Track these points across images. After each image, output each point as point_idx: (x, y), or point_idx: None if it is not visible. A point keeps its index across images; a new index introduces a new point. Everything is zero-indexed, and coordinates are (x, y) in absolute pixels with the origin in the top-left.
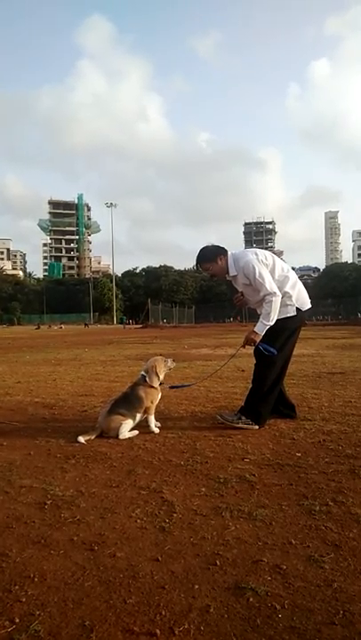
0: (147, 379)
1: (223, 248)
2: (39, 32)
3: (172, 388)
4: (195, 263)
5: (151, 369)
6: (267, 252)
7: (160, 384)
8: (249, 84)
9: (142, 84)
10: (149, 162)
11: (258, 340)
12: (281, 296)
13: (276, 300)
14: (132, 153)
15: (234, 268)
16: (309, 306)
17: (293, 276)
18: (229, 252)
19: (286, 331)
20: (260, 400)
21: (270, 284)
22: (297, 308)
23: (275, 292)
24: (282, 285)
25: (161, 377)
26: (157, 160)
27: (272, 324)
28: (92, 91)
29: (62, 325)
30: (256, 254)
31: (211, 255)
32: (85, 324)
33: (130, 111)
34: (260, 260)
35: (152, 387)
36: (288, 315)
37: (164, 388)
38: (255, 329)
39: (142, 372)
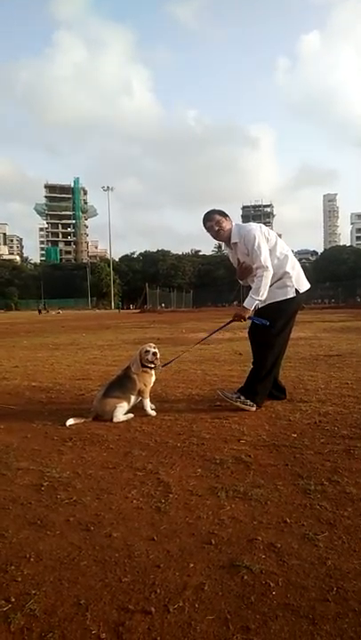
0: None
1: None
2: (11, 2)
3: (164, 366)
4: (203, 221)
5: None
6: (271, 230)
7: (154, 367)
8: (237, 57)
9: (125, 56)
10: (137, 140)
11: (247, 315)
12: (273, 273)
13: (267, 276)
14: (119, 131)
15: (237, 235)
16: (308, 287)
17: (293, 257)
18: (234, 223)
19: (286, 312)
20: (259, 381)
21: (265, 258)
22: (296, 290)
23: (267, 267)
24: (282, 265)
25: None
26: (146, 138)
27: (262, 299)
28: (73, 63)
29: (60, 310)
30: (260, 227)
31: (222, 212)
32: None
33: (114, 85)
34: (262, 232)
35: (145, 369)
36: (288, 296)
37: (159, 369)
38: (245, 304)
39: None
